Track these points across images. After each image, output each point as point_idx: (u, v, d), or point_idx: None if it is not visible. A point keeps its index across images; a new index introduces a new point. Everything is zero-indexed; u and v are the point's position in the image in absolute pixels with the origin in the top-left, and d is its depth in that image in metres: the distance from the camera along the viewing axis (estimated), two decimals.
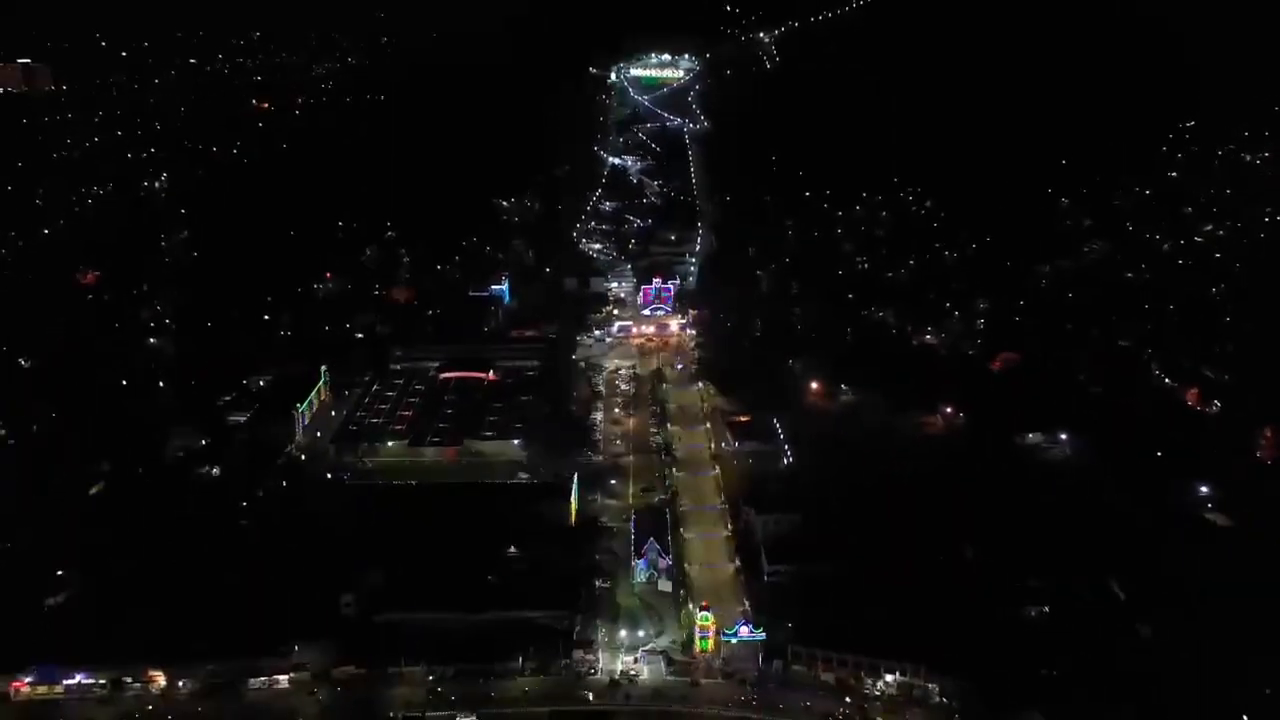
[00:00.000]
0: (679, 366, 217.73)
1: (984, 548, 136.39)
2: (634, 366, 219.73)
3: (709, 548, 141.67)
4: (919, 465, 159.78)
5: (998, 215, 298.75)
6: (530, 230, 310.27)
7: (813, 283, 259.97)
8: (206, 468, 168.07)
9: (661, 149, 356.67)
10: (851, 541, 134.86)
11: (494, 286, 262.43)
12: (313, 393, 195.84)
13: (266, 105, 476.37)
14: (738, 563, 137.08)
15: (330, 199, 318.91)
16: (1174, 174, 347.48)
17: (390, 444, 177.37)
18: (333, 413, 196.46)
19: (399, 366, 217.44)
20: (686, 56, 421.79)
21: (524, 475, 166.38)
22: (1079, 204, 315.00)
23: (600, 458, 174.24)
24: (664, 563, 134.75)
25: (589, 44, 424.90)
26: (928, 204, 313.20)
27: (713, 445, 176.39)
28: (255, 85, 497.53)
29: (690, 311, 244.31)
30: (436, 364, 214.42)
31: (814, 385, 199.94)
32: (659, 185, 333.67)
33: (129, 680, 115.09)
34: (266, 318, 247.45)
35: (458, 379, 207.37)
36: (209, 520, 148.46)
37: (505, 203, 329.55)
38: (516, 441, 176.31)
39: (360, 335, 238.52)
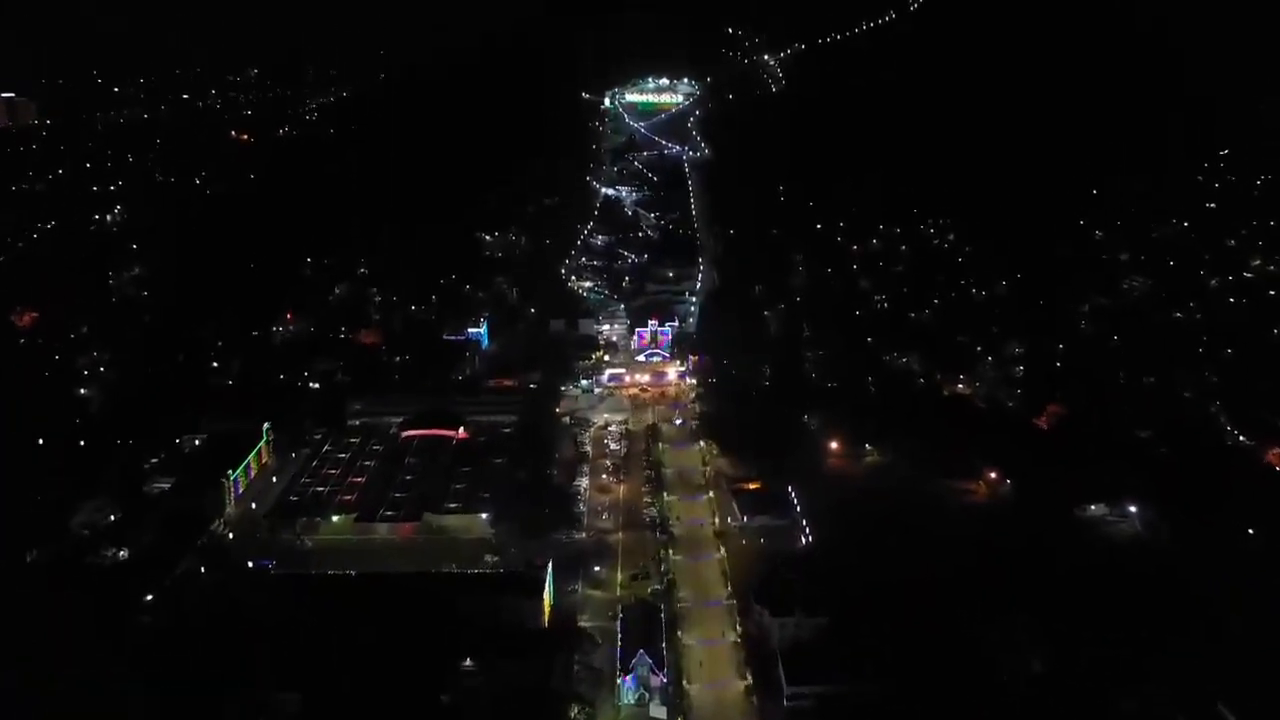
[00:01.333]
0: (677, 421, 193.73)
1: (1056, 658, 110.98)
2: (626, 421, 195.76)
3: (713, 659, 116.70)
4: (966, 547, 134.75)
5: (1027, 248, 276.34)
6: (515, 267, 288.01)
7: (827, 325, 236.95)
8: (113, 550, 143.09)
9: (659, 178, 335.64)
10: (891, 653, 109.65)
11: (471, 330, 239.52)
12: (251, 454, 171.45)
13: (246, 138, 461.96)
14: (749, 679, 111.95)
15: (303, 234, 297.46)
16: (1212, 205, 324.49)
17: (335, 519, 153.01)
18: (274, 478, 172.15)
19: (357, 422, 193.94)
20: (685, 80, 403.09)
21: (491, 558, 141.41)
22: (1114, 236, 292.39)
23: (583, 535, 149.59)
24: (657, 680, 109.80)
25: (582, 69, 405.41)
26: (950, 237, 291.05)
27: (716, 520, 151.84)
28: (242, 119, 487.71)
29: (690, 357, 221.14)
30: (399, 419, 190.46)
31: (833, 444, 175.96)
32: (656, 217, 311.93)
33: None
34: (216, 365, 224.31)
35: (422, 437, 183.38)
36: (103, 616, 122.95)
37: (488, 237, 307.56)
38: (485, 516, 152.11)
39: (317, 385, 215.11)
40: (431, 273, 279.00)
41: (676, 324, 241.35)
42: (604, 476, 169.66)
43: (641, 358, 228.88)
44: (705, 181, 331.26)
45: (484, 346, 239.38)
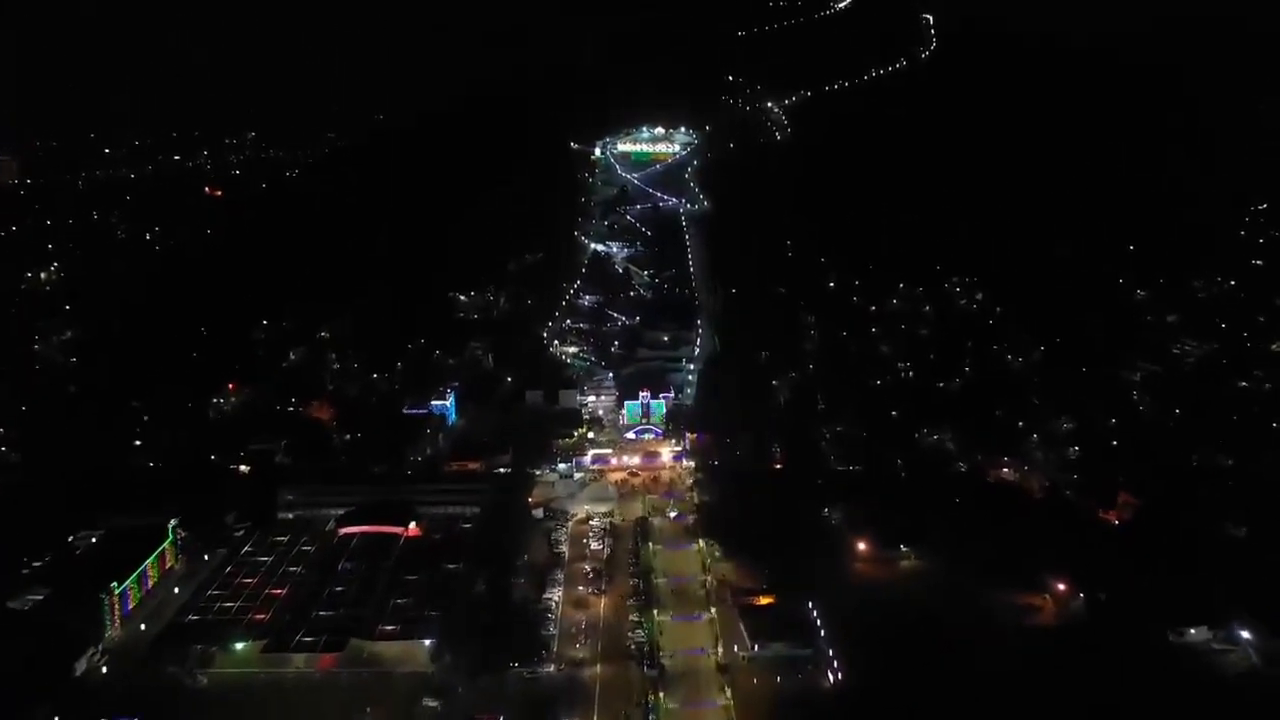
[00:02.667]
0: (672, 514, 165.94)
1: None
2: (611, 513, 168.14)
3: None
4: (1036, 686, 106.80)
5: (1063, 308, 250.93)
6: (491, 330, 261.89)
7: (844, 396, 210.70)
8: None
9: (653, 232, 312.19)
10: None
11: (435, 402, 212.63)
12: (151, 558, 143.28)
13: (219, 193, 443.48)
14: None
15: (261, 293, 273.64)
16: (1259, 261, 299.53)
17: (239, 646, 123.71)
18: (177, 589, 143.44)
19: (290, 515, 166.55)
20: (683, 129, 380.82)
21: (431, 702, 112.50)
22: (1157, 295, 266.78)
23: (552, 667, 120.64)
24: None
25: (572, 118, 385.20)
26: (978, 296, 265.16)
27: (720, 649, 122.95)
28: (226, 177, 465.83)
29: (687, 436, 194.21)
30: (340, 511, 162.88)
31: (860, 545, 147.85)
32: (649, 275, 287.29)
33: None
34: (139, 443, 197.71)
35: (363, 535, 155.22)
36: None
37: (463, 297, 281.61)
38: (427, 643, 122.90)
39: (251, 468, 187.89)
40: (397, 336, 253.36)
41: (671, 395, 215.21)
42: (580, 588, 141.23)
43: (631, 435, 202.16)
44: (704, 236, 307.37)
45: (450, 422, 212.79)
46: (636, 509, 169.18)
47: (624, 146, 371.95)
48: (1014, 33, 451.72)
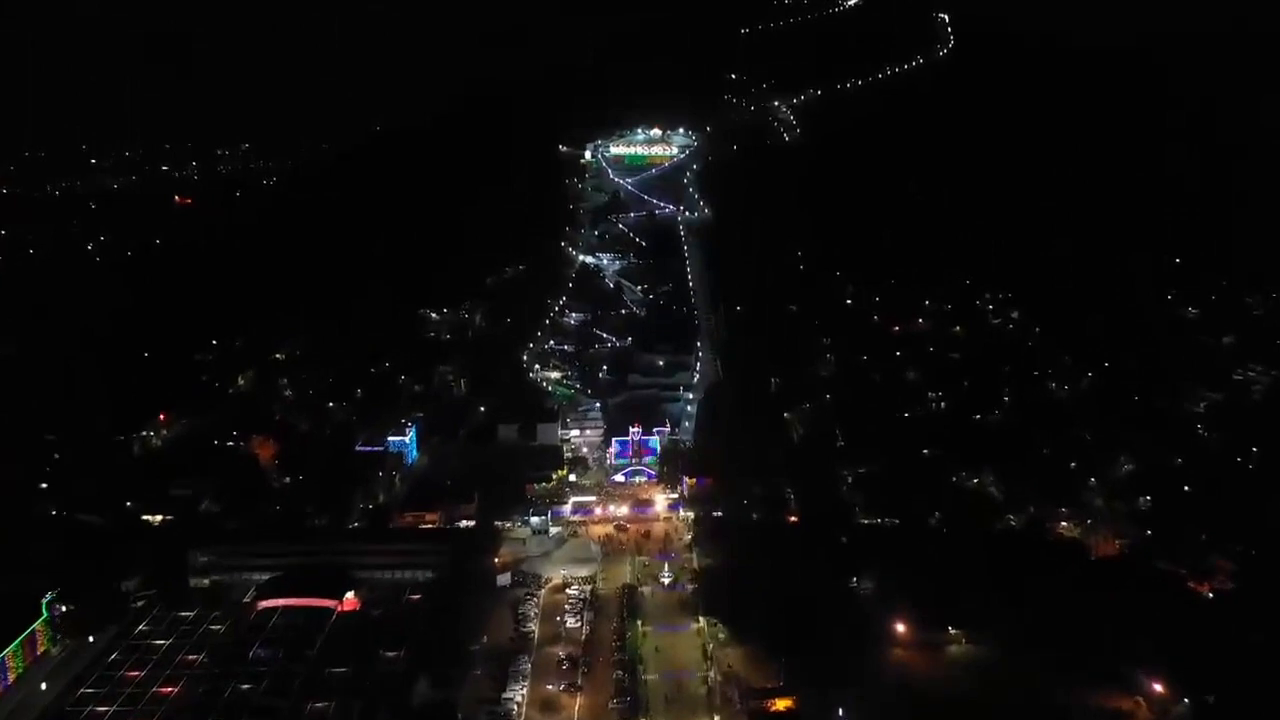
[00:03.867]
0: (665, 580, 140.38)
1: None
2: (593, 578, 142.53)
3: None
4: None
5: (1109, 328, 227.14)
6: (465, 352, 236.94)
7: (869, 432, 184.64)
8: None
9: (648, 243, 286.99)
10: None
11: (393, 438, 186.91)
12: (13, 646, 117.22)
13: (189, 201, 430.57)
14: None
15: (214, 309, 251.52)
16: None
17: None
18: (45, 684, 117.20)
19: (207, 580, 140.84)
20: (681, 131, 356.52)
21: None
22: (1208, 312, 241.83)
23: None
24: None
25: (559, 119, 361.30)
26: (1014, 314, 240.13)
27: None
28: (205, 187, 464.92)
29: (684, 480, 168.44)
30: (264, 577, 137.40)
31: (898, 626, 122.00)
32: (643, 290, 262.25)
33: None
34: (45, 486, 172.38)
35: (286, 610, 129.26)
36: None
37: (435, 314, 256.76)
38: None
39: (167, 518, 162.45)
40: (359, 359, 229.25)
41: (667, 430, 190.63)
42: (552, 683, 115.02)
43: (620, 477, 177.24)
44: (705, 247, 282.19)
45: (409, 461, 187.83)
46: (624, 573, 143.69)
47: (617, 149, 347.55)
48: (1047, 31, 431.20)
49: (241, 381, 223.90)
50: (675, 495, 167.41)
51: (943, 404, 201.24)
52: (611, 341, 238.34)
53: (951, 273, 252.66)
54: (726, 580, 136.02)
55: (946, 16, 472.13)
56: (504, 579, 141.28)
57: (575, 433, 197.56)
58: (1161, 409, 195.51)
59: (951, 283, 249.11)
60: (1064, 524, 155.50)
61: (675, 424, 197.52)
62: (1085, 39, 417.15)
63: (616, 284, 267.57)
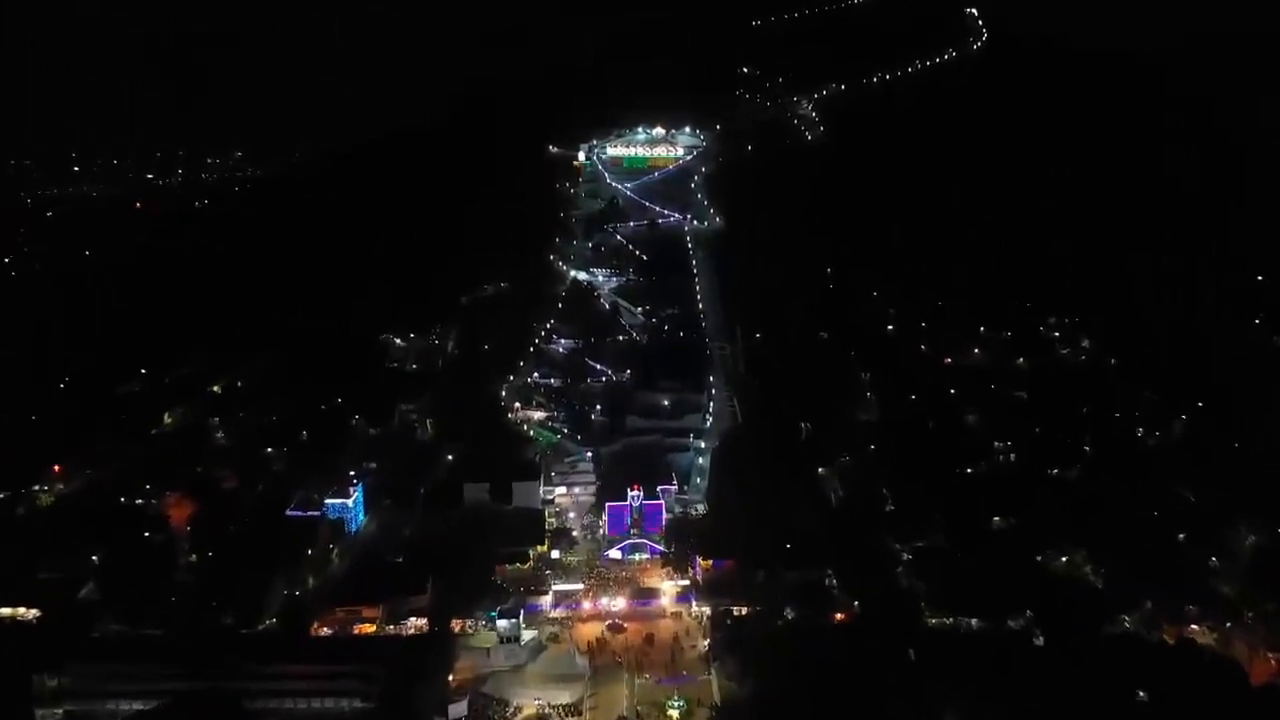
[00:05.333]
0: (674, 713, 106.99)
1: None
2: (578, 706, 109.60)
3: None
4: None
5: (1197, 358, 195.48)
6: (433, 386, 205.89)
7: (924, 493, 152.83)
8: None
9: (650, 257, 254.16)
10: None
11: (333, 500, 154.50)
12: None
13: (151, 208, 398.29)
14: None
15: (151, 333, 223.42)
16: None
17: None
18: None
19: (60, 710, 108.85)
20: (687, 130, 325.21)
21: None
22: None
23: None
24: None
25: (549, 118, 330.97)
26: (1085, 344, 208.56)
27: None
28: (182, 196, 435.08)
29: (698, 562, 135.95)
30: (135, 707, 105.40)
31: None
32: (644, 313, 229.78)
33: None
34: None
35: None
36: None
37: (399, 340, 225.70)
38: None
39: (34, 610, 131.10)
40: (307, 393, 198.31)
41: (673, 488, 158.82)
42: None
43: (615, 554, 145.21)
44: (716, 262, 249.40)
45: (352, 529, 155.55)
46: (618, 700, 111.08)
47: (615, 150, 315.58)
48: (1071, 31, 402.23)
49: (168, 420, 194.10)
50: (686, 582, 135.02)
51: (1012, 455, 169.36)
52: (606, 375, 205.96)
53: (1009, 293, 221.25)
54: (759, 708, 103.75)
55: (975, 10, 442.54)
56: (459, 709, 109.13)
57: (560, 490, 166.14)
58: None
59: (1009, 305, 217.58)
60: (1194, 626, 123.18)
61: (683, 480, 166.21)
62: (1123, 40, 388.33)
63: (613, 305, 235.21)
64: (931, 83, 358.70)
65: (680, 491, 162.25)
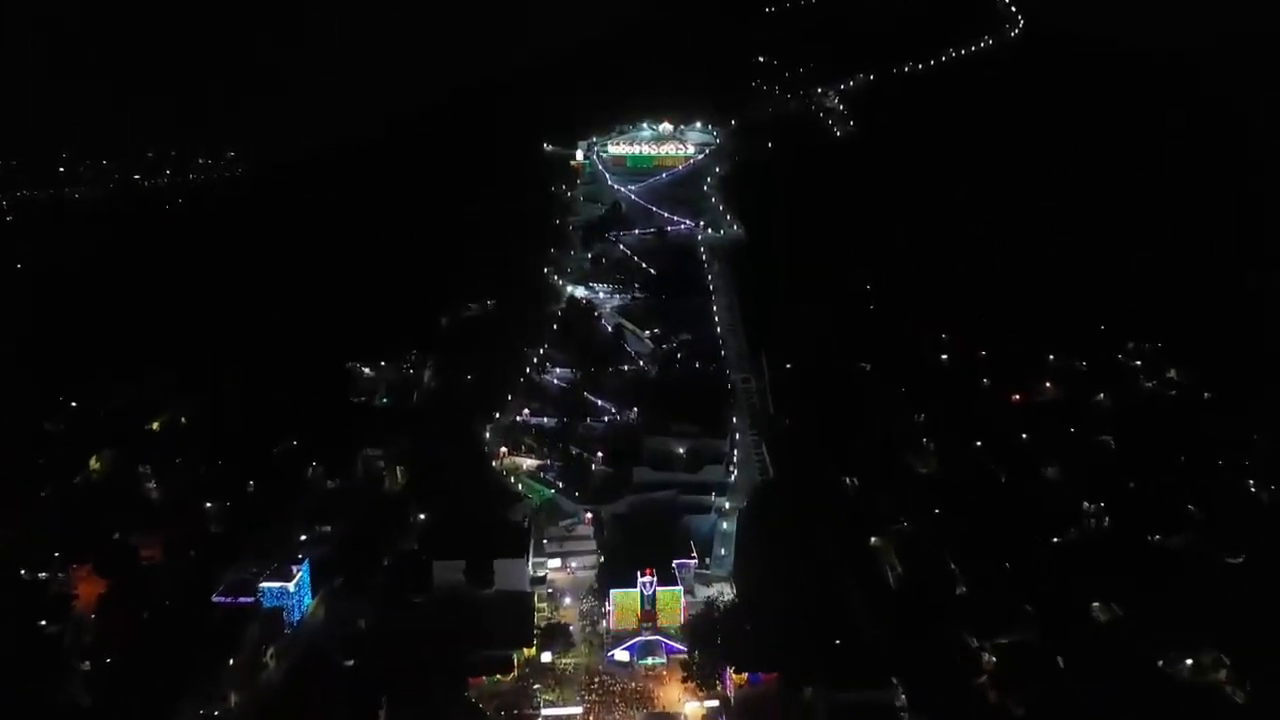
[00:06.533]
0: None
1: None
2: None
3: None
4: None
5: None
6: (404, 425, 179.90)
7: (1003, 572, 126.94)
8: None
9: (658, 271, 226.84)
10: None
11: (269, 583, 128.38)
12: None
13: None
14: None
15: (86, 358, 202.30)
16: None
17: None
18: None
19: None
20: (698, 125, 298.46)
21: None
22: None
23: None
24: None
25: (544, 114, 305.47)
26: (1172, 374, 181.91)
27: None
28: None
29: (728, 675, 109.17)
30: None
31: None
32: (652, 338, 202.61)
33: None
34: None
35: None
36: None
37: (368, 370, 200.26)
38: None
39: None
40: (260, 434, 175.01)
41: (693, 565, 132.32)
42: None
43: (620, 655, 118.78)
44: (736, 277, 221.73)
45: (293, 621, 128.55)
46: None
47: (617, 148, 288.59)
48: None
49: (95, 465, 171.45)
50: (714, 703, 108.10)
51: (1105, 520, 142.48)
52: (610, 413, 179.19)
53: (1080, 313, 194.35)
54: None
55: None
56: None
57: (554, 564, 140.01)
58: None
59: (1082, 327, 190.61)
60: None
61: (704, 551, 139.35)
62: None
63: (616, 329, 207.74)
64: (973, 71, 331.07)
65: (701, 565, 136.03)
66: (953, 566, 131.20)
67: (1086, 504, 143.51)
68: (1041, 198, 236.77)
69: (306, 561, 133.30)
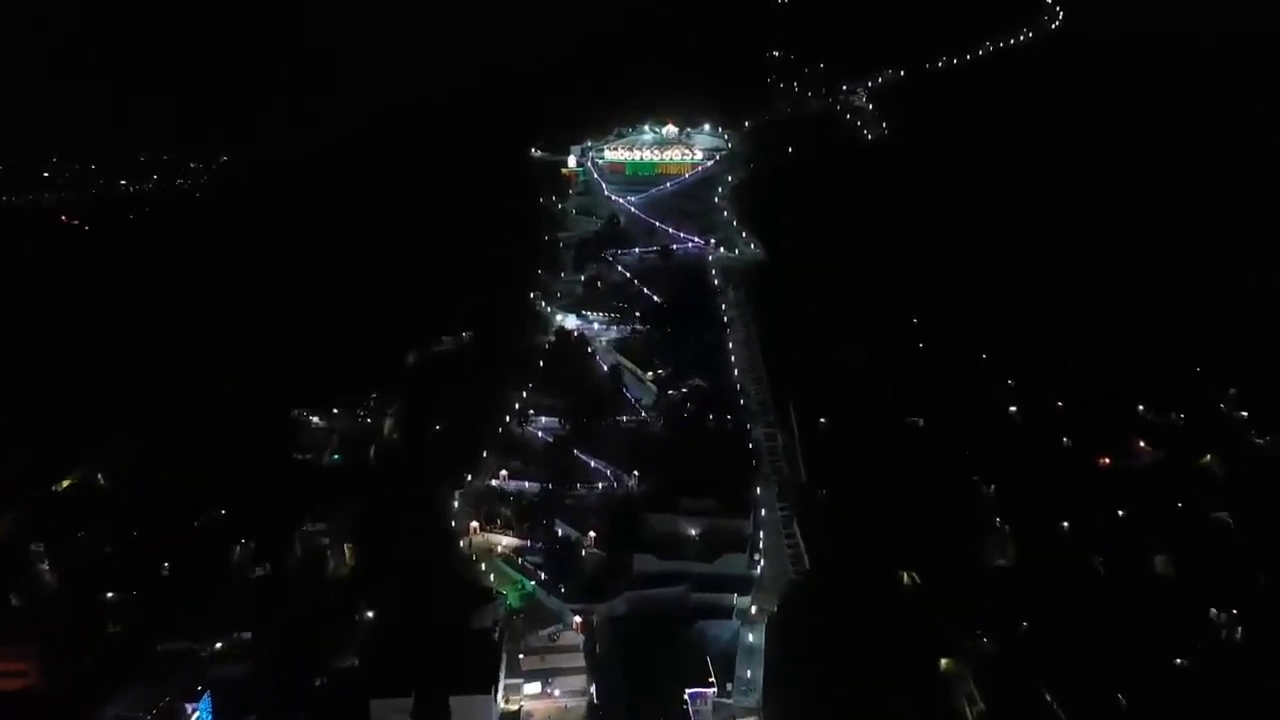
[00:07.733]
0: None
1: None
2: None
3: None
4: None
5: None
6: (357, 491, 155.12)
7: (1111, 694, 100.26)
8: None
9: (662, 296, 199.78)
10: None
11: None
12: None
13: (77, 221, 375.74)
14: None
15: None
16: None
17: None
18: None
19: None
20: (706, 128, 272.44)
21: None
22: None
23: None
24: None
25: (532, 117, 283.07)
26: (1263, 411, 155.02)
27: None
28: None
29: None
30: None
31: None
32: (656, 379, 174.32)
33: None
34: None
35: None
36: None
37: (317, 419, 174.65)
38: None
39: None
40: (180, 505, 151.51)
41: (712, 695, 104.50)
42: None
43: None
44: (755, 306, 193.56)
45: None
46: None
47: (615, 154, 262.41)
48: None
49: None
50: None
51: (1238, 631, 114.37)
52: (604, 476, 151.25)
53: (1169, 356, 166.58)
54: None
55: None
56: None
57: (532, 689, 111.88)
58: None
59: (1173, 374, 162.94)
60: None
61: (724, 673, 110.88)
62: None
63: (614, 368, 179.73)
64: (1014, 65, 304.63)
65: (721, 693, 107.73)
66: (1049, 699, 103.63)
67: (1215, 611, 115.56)
68: (1119, 213, 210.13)
69: (207, 695, 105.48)
